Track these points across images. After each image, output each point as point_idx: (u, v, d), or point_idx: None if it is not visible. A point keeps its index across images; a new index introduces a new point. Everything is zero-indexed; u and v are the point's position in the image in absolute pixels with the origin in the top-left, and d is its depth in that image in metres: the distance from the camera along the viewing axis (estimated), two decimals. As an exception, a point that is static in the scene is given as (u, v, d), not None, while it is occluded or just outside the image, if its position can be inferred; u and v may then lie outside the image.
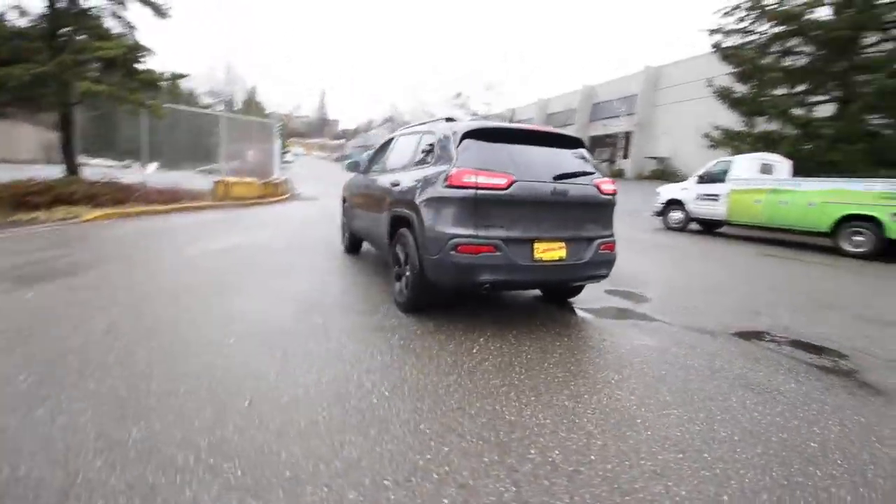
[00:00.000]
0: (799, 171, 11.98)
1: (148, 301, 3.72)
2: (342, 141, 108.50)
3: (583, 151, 3.71)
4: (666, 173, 32.52)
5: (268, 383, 2.41)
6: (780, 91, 16.04)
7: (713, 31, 18.01)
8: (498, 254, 3.11)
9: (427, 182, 3.41)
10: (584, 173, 3.48)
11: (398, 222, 3.85)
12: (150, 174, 12.18)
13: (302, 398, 2.28)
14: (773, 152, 12.84)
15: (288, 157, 42.19)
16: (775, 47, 15.61)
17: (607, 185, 3.55)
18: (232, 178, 13.01)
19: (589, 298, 4.37)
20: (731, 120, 18.33)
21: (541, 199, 3.23)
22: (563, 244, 3.32)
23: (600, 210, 3.54)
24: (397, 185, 3.90)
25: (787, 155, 12.39)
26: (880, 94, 12.84)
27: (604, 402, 2.40)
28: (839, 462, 1.99)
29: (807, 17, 14.25)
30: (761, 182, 10.27)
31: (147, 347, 2.79)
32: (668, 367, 2.91)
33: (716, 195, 10.85)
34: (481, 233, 3.12)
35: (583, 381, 2.64)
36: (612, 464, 1.88)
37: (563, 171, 3.36)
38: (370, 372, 2.61)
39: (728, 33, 17.57)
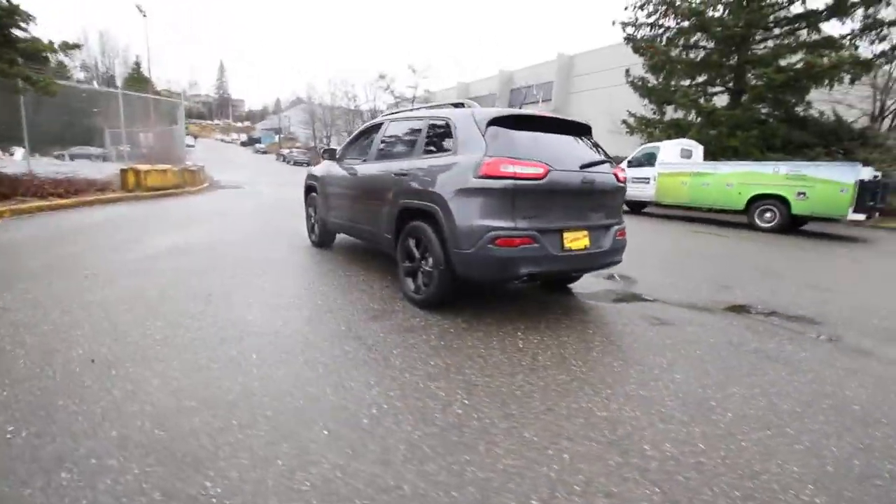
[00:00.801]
0: (706, 155, 13.42)
1: (122, 322, 3.10)
2: (248, 123, 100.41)
3: (592, 138, 3.74)
4: (581, 157, 34.71)
5: (357, 436, 1.92)
6: (685, 82, 17.73)
7: (625, 24, 19.30)
8: (535, 245, 3.04)
9: (451, 172, 3.21)
10: (604, 161, 3.51)
11: (409, 215, 3.60)
12: (19, 161, 10.27)
13: (393, 429, 2.04)
14: (682, 138, 14.27)
15: (188, 140, 38.10)
16: (682, 41, 17.14)
17: (621, 173, 3.62)
18: (143, 166, 11.40)
19: (581, 283, 4.48)
20: (639, 107, 19.91)
21: (571, 189, 3.20)
22: (586, 233, 3.34)
23: (616, 198, 3.62)
24: (405, 174, 3.64)
25: (696, 140, 13.79)
26: (768, 87, 14.70)
27: (672, 388, 2.46)
28: (884, 421, 2.23)
29: (708, 14, 15.76)
30: (686, 166, 11.33)
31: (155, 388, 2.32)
32: (697, 346, 3.08)
33: (646, 178, 11.77)
34: (520, 224, 3.02)
35: (640, 370, 2.69)
36: (722, 451, 1.92)
37: (587, 160, 3.36)
38: (433, 379, 2.42)
39: (639, 27, 18.95)
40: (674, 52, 17.11)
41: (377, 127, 4.59)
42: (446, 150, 3.39)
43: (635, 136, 19.60)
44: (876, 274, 6.14)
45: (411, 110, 4.39)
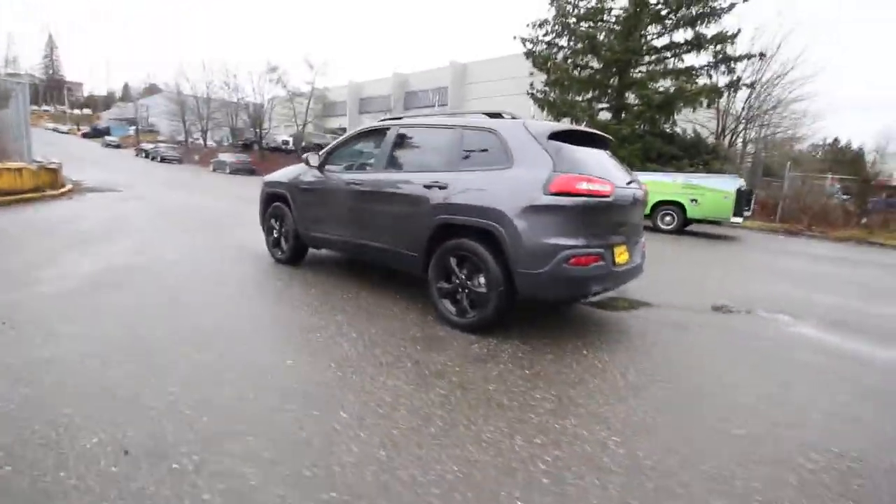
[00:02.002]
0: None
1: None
2: (88, 111, 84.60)
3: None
4: (478, 161, 36.25)
5: None
6: (579, 97, 19.57)
7: (525, 40, 20.68)
8: (602, 263, 3.01)
9: (510, 186, 3.02)
10: (636, 177, 3.63)
11: (451, 231, 3.31)
12: None
13: (589, 489, 1.80)
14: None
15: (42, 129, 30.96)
16: (575, 60, 18.92)
17: (645, 187, 3.79)
18: (-15, 163, 8.84)
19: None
20: (535, 118, 21.57)
21: (624, 205, 3.25)
22: (626, 247, 3.42)
23: (643, 212, 3.77)
24: (442, 187, 3.33)
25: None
26: (647, 106, 16.96)
27: (751, 392, 2.62)
28: (914, 403, 2.66)
29: (599, 38, 17.62)
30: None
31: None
32: (720, 347, 3.36)
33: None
34: (591, 242, 2.96)
35: (702, 377, 2.82)
36: (855, 450, 2.09)
37: (627, 175, 3.44)
38: (561, 416, 2.23)
39: (536, 43, 20.45)
40: (573, 71, 18.74)
41: (379, 132, 4.14)
42: (497, 163, 3.17)
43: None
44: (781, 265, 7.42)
45: (427, 116, 4.06)
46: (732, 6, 16.72)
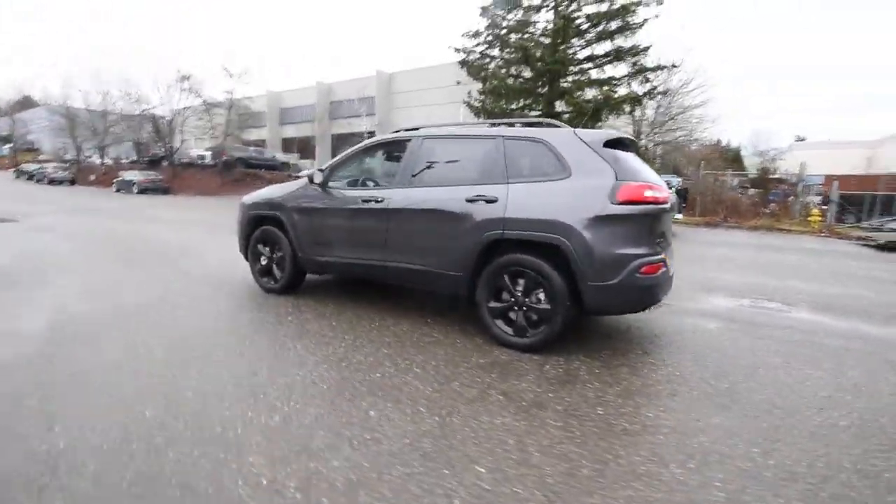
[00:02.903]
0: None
1: None
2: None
3: None
4: (410, 171, 36.13)
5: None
6: (512, 106, 20.25)
7: (458, 50, 21.07)
8: (665, 269, 3.00)
9: (572, 198, 2.90)
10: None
11: (505, 247, 3.12)
12: None
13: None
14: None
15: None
16: (509, 70, 19.59)
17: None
18: None
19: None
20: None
21: (668, 210, 3.28)
22: (665, 254, 3.47)
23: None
24: (492, 201, 3.13)
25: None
26: (578, 114, 17.97)
27: (823, 384, 2.74)
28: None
29: (531, 49, 18.39)
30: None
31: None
32: (759, 341, 3.51)
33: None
34: (656, 250, 2.94)
35: (772, 374, 2.90)
36: None
37: (663, 180, 3.48)
38: (685, 435, 2.14)
39: (469, 53, 20.91)
40: (507, 80, 19.34)
41: (396, 145, 3.83)
42: (550, 174, 3.04)
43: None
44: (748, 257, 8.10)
45: (455, 126, 3.82)
46: (645, 21, 18.29)
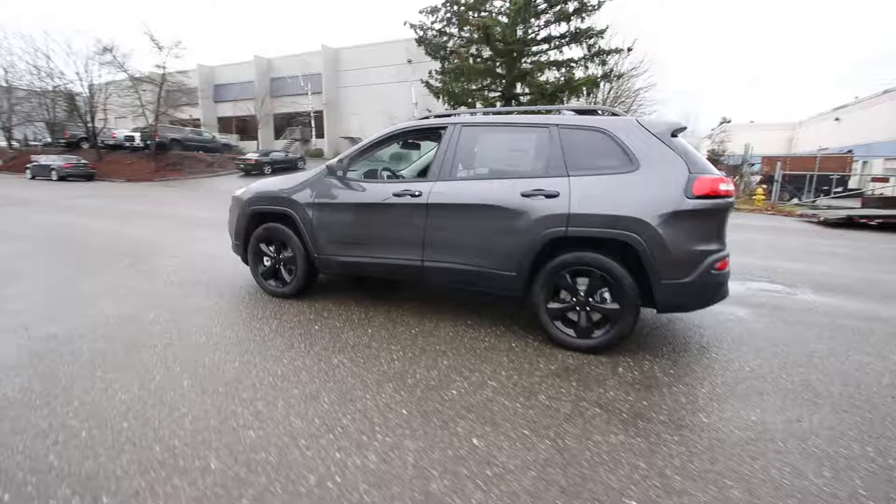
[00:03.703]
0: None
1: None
2: None
3: None
4: (363, 152, 34.97)
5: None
6: (473, 86, 19.93)
7: (414, 27, 20.31)
8: (729, 264, 2.95)
9: (645, 192, 2.74)
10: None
11: (568, 245, 2.93)
12: None
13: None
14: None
15: None
16: (469, 50, 19.17)
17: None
18: None
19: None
20: (425, 106, 21.40)
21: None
22: None
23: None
24: (553, 196, 2.91)
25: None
26: (541, 95, 18.03)
27: (876, 365, 2.84)
28: None
29: (494, 29, 18.05)
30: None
31: None
32: (793, 327, 3.62)
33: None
34: (724, 245, 2.87)
35: (829, 362, 2.98)
36: None
37: None
38: (804, 440, 2.10)
39: (426, 31, 20.24)
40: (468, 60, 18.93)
41: (428, 133, 3.49)
42: (614, 166, 2.87)
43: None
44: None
45: (494, 112, 3.51)
46: (601, 4, 18.47)
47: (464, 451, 1.95)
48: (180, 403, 2.28)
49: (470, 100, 19.60)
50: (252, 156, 25.14)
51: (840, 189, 17.99)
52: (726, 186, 2.78)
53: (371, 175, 4.00)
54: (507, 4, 18.93)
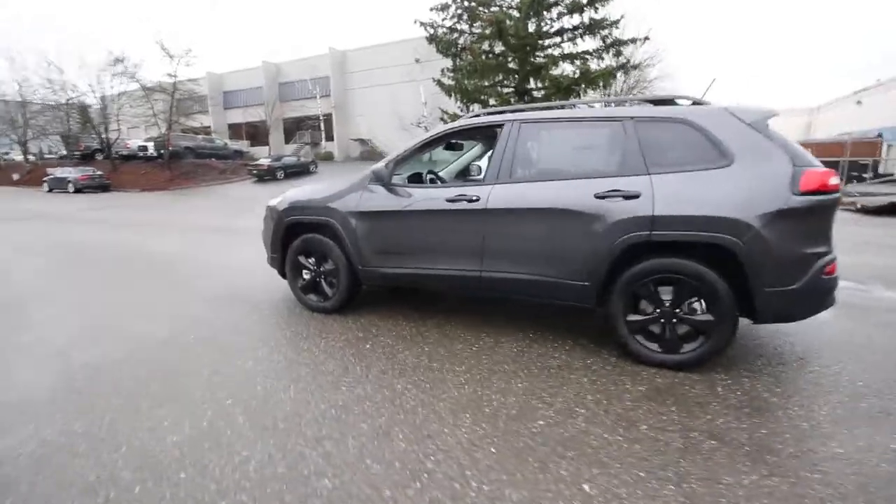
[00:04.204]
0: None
1: None
2: None
3: None
4: (373, 154, 34.85)
5: None
6: (486, 82, 19.57)
7: (425, 25, 20.01)
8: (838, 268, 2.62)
9: (744, 189, 2.43)
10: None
11: (652, 250, 2.62)
12: None
13: None
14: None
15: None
16: (483, 46, 18.82)
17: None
18: None
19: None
20: (437, 106, 21.01)
21: None
22: None
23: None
24: (633, 196, 2.60)
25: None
26: (557, 89, 17.63)
27: None
28: None
29: (506, 23, 17.70)
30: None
31: None
32: (878, 329, 3.28)
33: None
34: (832, 246, 2.54)
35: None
36: None
37: None
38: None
39: (437, 28, 19.92)
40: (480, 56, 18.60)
41: (482, 131, 3.22)
42: (703, 161, 2.55)
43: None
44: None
45: (554, 106, 3.22)
46: (614, -7, 17.98)
47: (577, 501, 1.67)
48: (239, 445, 2.03)
49: (483, 97, 19.29)
50: (264, 161, 25.05)
51: (870, 175, 17.32)
52: (835, 180, 2.45)
53: (416, 179, 3.74)
54: (518, 0, 18.56)
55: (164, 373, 2.75)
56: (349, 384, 2.56)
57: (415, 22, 19.44)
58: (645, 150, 2.68)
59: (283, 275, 3.98)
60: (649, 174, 2.63)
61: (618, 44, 18.13)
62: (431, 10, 19.08)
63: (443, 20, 19.85)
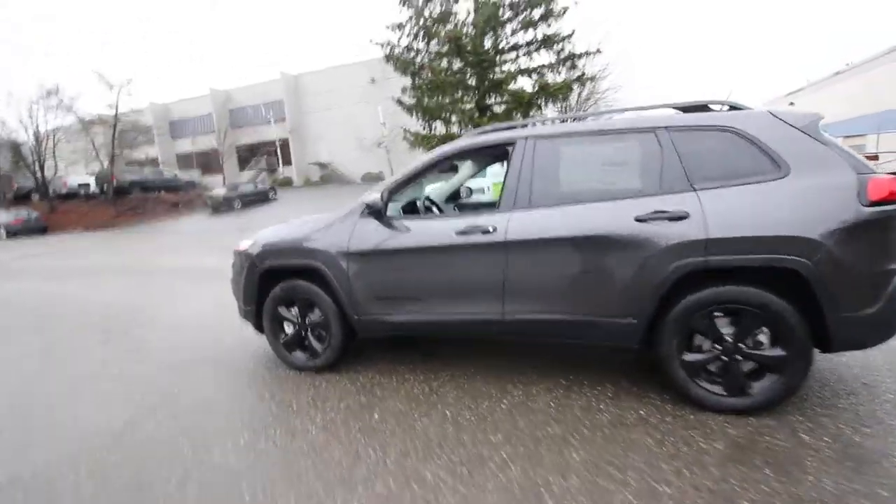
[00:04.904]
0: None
1: None
2: None
3: None
4: (334, 177, 34.08)
5: None
6: (446, 100, 19.45)
7: (380, 44, 19.78)
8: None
9: (806, 203, 2.12)
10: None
11: (700, 278, 2.27)
12: None
13: None
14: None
15: None
16: (441, 63, 18.73)
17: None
18: None
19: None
20: (373, 124, 20.64)
21: None
22: None
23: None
24: (681, 217, 2.25)
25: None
26: (518, 103, 17.72)
27: None
28: None
29: (463, 39, 17.70)
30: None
31: None
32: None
33: (482, 188, 12.23)
34: (903, 260, 2.26)
35: None
36: None
37: None
38: None
39: (393, 48, 19.73)
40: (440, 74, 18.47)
41: (495, 150, 2.81)
42: (752, 172, 2.23)
43: (418, 151, 20.37)
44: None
45: (571, 118, 2.84)
46: (566, 10, 18.38)
47: None
48: None
49: (444, 113, 19.18)
50: (220, 191, 23.84)
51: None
52: (908, 188, 2.19)
53: (412, 209, 3.28)
54: (473, 16, 18.67)
55: (119, 485, 2.12)
56: (364, 478, 2.02)
57: (370, 41, 19.17)
58: (686, 163, 2.34)
59: (260, 328, 3.39)
60: (695, 190, 2.29)
61: (572, 57, 18.49)
62: (387, 28, 18.88)
63: (399, 39, 19.67)
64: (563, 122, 2.89)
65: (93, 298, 6.43)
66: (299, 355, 3.25)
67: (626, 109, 3.02)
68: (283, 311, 3.24)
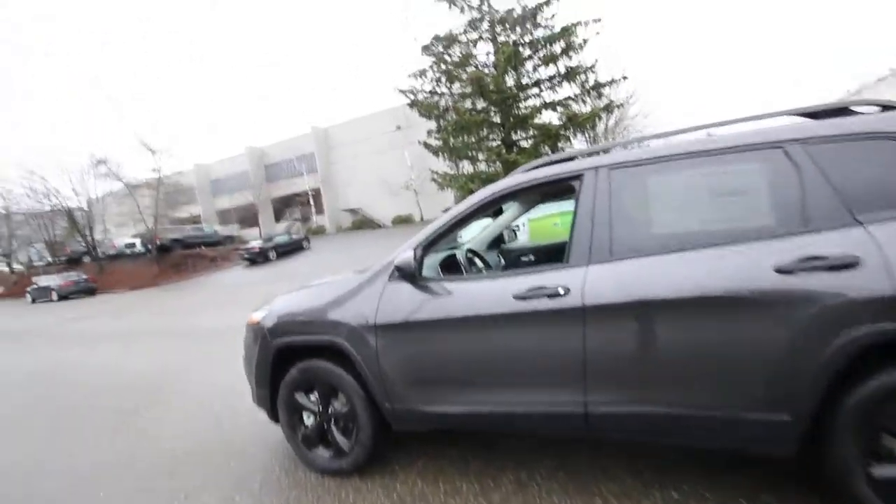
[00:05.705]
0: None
1: None
2: None
3: None
4: (365, 222, 34.40)
5: None
6: (472, 139, 19.36)
7: (404, 92, 20.16)
8: None
9: None
10: None
11: (879, 353, 1.53)
12: None
13: None
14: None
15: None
16: (466, 104, 18.79)
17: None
18: None
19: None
20: (400, 169, 20.67)
21: None
22: None
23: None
24: (849, 265, 1.55)
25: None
26: (546, 136, 17.36)
27: None
28: None
29: (485, 80, 17.74)
30: (549, 209, 11.72)
31: None
32: None
33: (518, 226, 11.63)
34: None
35: None
36: None
37: None
38: None
39: (417, 94, 20.05)
40: (463, 116, 18.50)
41: (556, 186, 2.21)
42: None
43: (447, 192, 20.23)
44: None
45: (650, 139, 2.24)
46: (586, 41, 18.22)
47: None
48: None
49: (471, 152, 19.07)
50: (255, 243, 24.27)
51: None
52: None
53: (452, 266, 2.68)
54: (493, 58, 18.81)
55: None
56: None
57: (395, 90, 19.53)
58: (840, 187, 1.65)
59: (276, 417, 2.80)
60: (862, 224, 1.59)
61: (598, 86, 18.15)
62: (410, 76, 19.24)
63: (422, 85, 20.01)
64: (645, 143, 2.25)
65: (123, 367, 6.16)
66: (322, 453, 2.61)
67: (715, 125, 2.36)
68: (301, 398, 2.64)
